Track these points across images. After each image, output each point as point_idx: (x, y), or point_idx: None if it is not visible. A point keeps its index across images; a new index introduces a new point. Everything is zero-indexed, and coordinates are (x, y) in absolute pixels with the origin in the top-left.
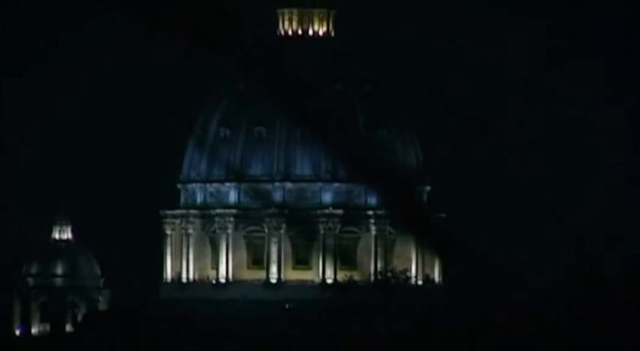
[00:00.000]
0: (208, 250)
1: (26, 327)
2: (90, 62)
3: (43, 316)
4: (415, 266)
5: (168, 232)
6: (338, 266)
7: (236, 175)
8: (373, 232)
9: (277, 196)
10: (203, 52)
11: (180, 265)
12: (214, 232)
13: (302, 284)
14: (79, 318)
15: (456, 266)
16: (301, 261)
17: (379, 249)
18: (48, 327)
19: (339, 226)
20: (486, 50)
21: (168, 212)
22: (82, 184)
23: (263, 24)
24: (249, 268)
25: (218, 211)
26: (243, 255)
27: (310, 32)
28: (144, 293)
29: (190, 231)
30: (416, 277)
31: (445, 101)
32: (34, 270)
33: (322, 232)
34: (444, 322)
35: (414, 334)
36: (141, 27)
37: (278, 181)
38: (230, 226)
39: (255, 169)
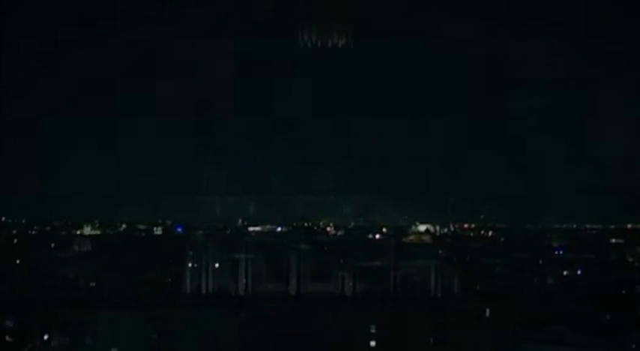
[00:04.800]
0: (228, 263)
1: None
2: (110, 76)
3: None
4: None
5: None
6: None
7: (256, 188)
8: None
9: (297, 209)
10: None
11: (200, 278)
12: (234, 244)
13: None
14: None
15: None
16: (320, 274)
17: None
18: None
19: None
20: (505, 65)
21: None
22: (101, 196)
23: (283, 37)
24: (268, 281)
25: (238, 223)
26: (263, 268)
27: (329, 45)
28: None
29: (210, 244)
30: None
31: None
32: None
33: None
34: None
35: None
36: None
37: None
38: (249, 238)
39: (276, 182)
